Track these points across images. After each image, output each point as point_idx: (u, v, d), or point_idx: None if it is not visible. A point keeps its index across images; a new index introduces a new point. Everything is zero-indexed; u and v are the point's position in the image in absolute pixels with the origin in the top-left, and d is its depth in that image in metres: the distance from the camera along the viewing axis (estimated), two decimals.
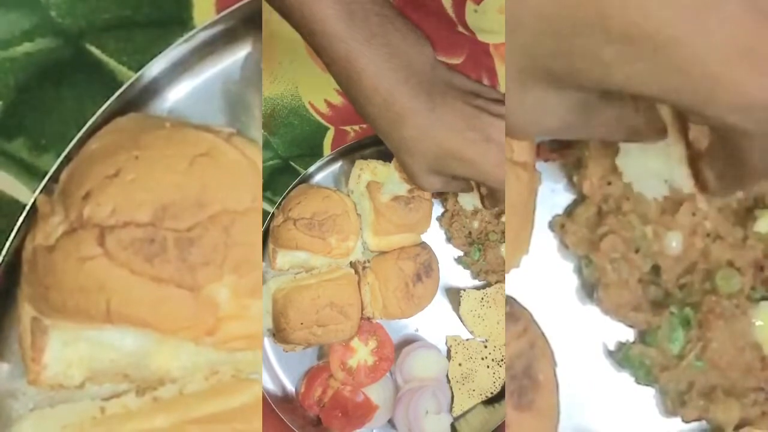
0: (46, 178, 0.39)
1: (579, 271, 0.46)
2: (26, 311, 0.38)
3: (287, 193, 0.50)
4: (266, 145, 0.52)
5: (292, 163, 0.53)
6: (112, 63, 0.47)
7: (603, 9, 0.27)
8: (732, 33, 0.27)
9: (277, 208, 0.49)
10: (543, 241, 0.46)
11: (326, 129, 0.53)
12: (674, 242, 0.43)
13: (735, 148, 0.33)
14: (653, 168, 0.43)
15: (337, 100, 0.53)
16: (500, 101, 0.42)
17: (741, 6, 0.27)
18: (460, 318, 0.53)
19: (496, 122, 0.41)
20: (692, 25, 0.27)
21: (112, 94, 0.41)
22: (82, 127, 0.40)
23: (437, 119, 0.40)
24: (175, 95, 0.46)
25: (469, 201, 0.52)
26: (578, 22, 0.28)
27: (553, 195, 0.46)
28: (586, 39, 0.28)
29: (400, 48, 0.39)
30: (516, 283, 0.45)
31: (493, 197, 0.48)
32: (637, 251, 0.43)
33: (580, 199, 0.45)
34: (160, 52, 0.43)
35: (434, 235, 0.53)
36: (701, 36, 0.27)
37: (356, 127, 0.54)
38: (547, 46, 0.29)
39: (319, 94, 0.53)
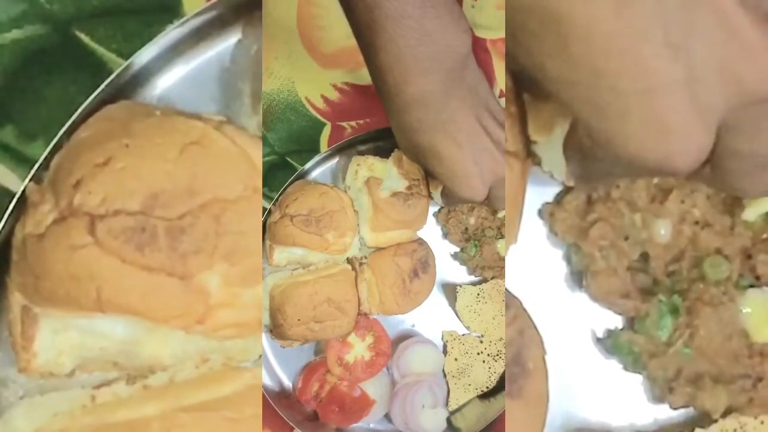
0: (36, 166, 0.39)
1: (568, 258, 0.46)
2: (16, 299, 0.37)
3: (284, 190, 0.50)
4: (263, 141, 0.52)
5: (288, 159, 0.53)
6: (101, 50, 0.47)
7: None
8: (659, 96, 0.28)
9: (274, 204, 0.49)
10: (532, 229, 0.46)
11: (323, 125, 0.53)
12: (663, 230, 0.43)
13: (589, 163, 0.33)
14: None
15: (334, 95, 0.53)
16: (503, 126, 0.41)
17: (682, 79, 0.27)
18: (456, 313, 0.53)
19: (492, 148, 0.40)
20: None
21: (102, 81, 0.41)
22: (71, 115, 0.40)
23: (442, 124, 0.38)
24: (165, 83, 0.45)
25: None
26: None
27: (543, 182, 0.46)
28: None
29: (433, 36, 0.35)
30: (505, 272, 0.46)
31: (450, 196, 0.45)
32: (626, 239, 0.43)
33: (569, 187, 0.45)
34: (149, 40, 0.43)
35: (431, 231, 0.53)
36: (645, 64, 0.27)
37: (353, 123, 0.53)
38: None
39: (315, 89, 0.53)
